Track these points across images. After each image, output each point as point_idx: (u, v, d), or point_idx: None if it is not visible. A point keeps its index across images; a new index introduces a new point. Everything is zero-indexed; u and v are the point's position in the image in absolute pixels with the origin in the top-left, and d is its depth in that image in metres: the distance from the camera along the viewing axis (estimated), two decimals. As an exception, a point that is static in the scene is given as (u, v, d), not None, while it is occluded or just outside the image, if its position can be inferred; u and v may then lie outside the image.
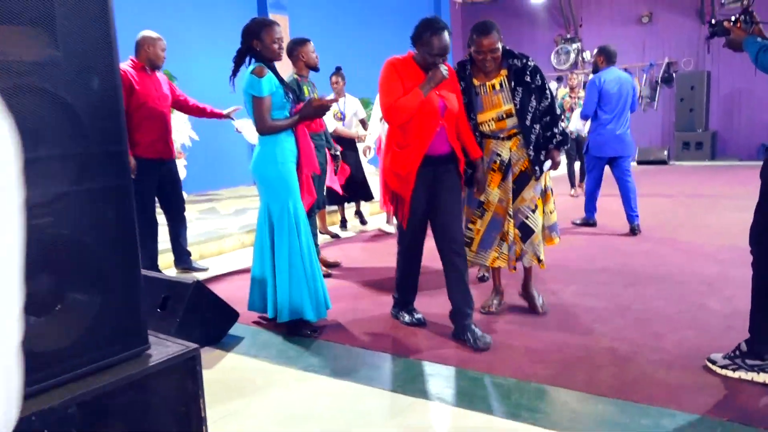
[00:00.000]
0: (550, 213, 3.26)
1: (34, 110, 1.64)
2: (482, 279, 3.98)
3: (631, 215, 5.32)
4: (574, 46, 13.35)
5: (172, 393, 1.95)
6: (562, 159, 3.59)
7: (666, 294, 3.53)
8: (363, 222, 6.45)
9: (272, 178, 3.11)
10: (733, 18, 2.55)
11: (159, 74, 4.26)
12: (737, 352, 2.47)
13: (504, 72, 3.06)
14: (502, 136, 3.11)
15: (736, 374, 2.44)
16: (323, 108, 3.15)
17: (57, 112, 1.69)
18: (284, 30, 9.43)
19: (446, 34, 2.80)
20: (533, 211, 3.14)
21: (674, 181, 8.94)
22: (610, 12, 13.06)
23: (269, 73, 3.08)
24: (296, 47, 4.19)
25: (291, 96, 3.19)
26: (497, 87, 3.06)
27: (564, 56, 13.49)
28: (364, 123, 5.94)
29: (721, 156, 11.85)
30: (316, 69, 4.25)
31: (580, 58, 13.30)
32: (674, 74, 12.37)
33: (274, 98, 3.06)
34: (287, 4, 9.97)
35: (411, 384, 2.54)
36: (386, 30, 11.47)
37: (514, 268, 3.24)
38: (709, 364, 2.53)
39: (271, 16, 9.67)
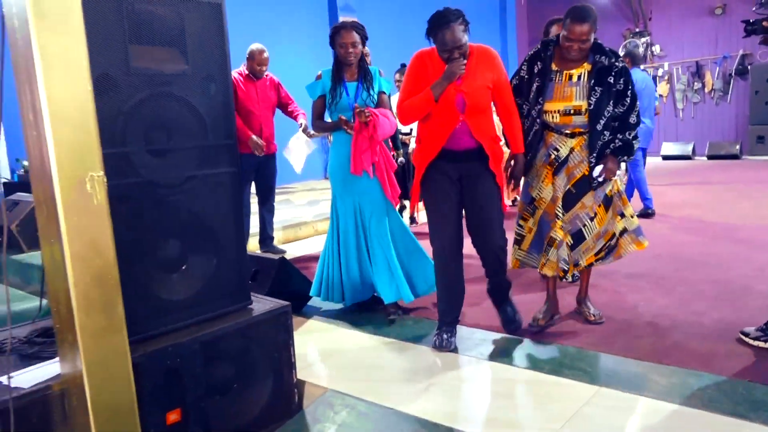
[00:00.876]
0: (631, 216, 3.01)
1: (170, 112, 2.13)
2: (573, 279, 3.15)
3: (645, 200, 5.90)
4: (643, 40, 13.17)
5: (269, 340, 2.40)
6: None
7: (713, 278, 3.73)
8: (413, 221, 6.18)
9: (329, 174, 3.54)
10: None
11: (267, 79, 4.93)
12: None
13: (587, 66, 2.79)
14: (566, 131, 2.86)
15: (767, 344, 2.67)
16: (346, 125, 3.28)
17: (186, 113, 2.17)
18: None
19: (457, 26, 2.61)
20: (591, 219, 2.89)
21: (744, 175, 8.82)
22: (680, 5, 12.83)
23: (324, 77, 3.41)
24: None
25: (337, 99, 3.36)
26: (574, 79, 2.80)
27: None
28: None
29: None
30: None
31: (650, 52, 13.13)
32: (749, 66, 12.04)
33: (327, 100, 3.40)
34: (356, 7, 10.44)
35: (468, 349, 2.92)
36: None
37: (563, 278, 2.91)
38: (742, 336, 2.76)
39: (341, 18, 10.23)
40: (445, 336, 2.91)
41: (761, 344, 2.69)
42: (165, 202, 2.12)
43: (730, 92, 12.36)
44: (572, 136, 2.86)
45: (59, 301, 1.69)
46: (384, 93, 3.51)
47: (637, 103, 2.83)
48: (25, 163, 6.47)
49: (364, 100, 3.39)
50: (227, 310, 2.33)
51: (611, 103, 2.76)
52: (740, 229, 5.14)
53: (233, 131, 2.30)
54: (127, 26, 1.95)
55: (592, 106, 2.76)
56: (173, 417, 2.07)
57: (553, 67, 2.85)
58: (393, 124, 3.45)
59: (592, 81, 2.76)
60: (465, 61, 2.65)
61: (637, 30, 13.32)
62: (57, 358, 1.93)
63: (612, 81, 2.76)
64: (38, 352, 2.01)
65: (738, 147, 11.23)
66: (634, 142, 2.85)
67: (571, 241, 2.90)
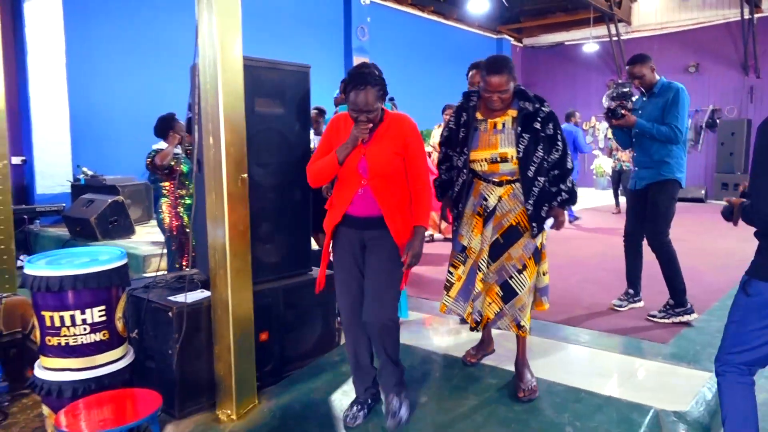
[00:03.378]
0: (543, 275, 2.90)
1: (272, 139, 3.28)
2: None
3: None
4: (625, 89, 14.56)
5: (321, 300, 3.51)
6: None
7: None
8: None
9: None
10: (624, 105, 3.82)
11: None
12: (668, 306, 3.83)
13: (512, 113, 2.74)
14: (494, 180, 2.80)
15: (670, 320, 3.80)
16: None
17: (281, 140, 3.32)
18: (365, 70, 11.23)
19: (372, 90, 2.47)
20: (519, 272, 2.75)
21: (705, 216, 10.01)
22: (659, 62, 14.16)
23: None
24: None
25: None
26: (499, 126, 2.75)
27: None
28: None
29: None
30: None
31: (630, 103, 14.48)
32: (717, 120, 13.43)
33: None
34: (369, 49, 11.74)
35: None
36: (451, 70, 13.19)
37: (475, 328, 2.88)
38: (651, 318, 3.89)
39: (355, 59, 11.53)
40: (354, 409, 2.77)
41: (666, 320, 3.81)
42: (265, 197, 3.26)
43: (700, 142, 13.72)
44: (500, 184, 2.79)
45: (216, 249, 2.84)
46: None
47: (568, 146, 2.81)
48: (85, 169, 7.62)
49: None
50: (297, 272, 3.46)
51: (540, 149, 2.70)
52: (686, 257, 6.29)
53: (308, 152, 3.47)
54: (253, 85, 3.12)
55: (521, 154, 2.69)
56: (263, 337, 3.19)
57: (478, 116, 2.82)
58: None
59: (519, 128, 2.71)
60: (369, 125, 2.52)
61: (620, 81, 14.70)
62: (200, 290, 3.07)
63: (539, 126, 2.70)
64: (182, 287, 3.13)
65: (704, 191, 12.53)
66: (575, 189, 2.83)
67: (501, 293, 2.78)
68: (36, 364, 2.74)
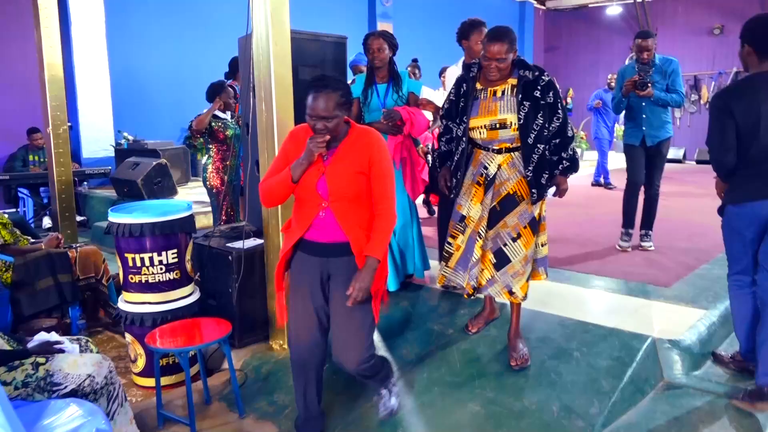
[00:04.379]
0: (542, 246, 2.93)
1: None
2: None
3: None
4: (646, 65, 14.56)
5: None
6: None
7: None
8: (431, 212, 6.44)
9: None
10: (644, 78, 4.32)
11: None
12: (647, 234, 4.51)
13: (511, 81, 2.76)
14: (493, 148, 2.82)
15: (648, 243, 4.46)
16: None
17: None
18: (389, 35, 11.45)
19: (332, 96, 2.20)
20: (514, 240, 2.78)
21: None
22: (683, 23, 14.21)
23: (357, 82, 3.72)
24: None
25: (369, 100, 3.67)
26: (498, 94, 2.77)
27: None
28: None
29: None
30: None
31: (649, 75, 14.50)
32: (741, 82, 13.42)
33: (361, 101, 3.68)
34: (393, 14, 11.92)
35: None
36: (475, 36, 13.32)
37: (471, 295, 2.87)
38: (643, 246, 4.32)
39: (379, 24, 11.72)
40: None
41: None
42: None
43: (723, 105, 13.74)
44: (499, 152, 2.82)
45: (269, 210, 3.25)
46: (413, 93, 3.78)
47: (583, 133, 3.29)
48: (126, 134, 8.08)
49: (394, 100, 3.66)
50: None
51: (540, 116, 2.72)
52: (694, 214, 6.58)
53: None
54: (296, 55, 3.48)
55: (521, 121, 2.71)
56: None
57: (478, 86, 2.84)
58: (425, 119, 3.70)
59: (520, 96, 2.73)
60: (327, 138, 2.23)
61: (643, 44, 14.70)
62: (252, 238, 3.49)
63: (539, 95, 2.71)
64: (235, 236, 3.56)
65: (724, 154, 12.64)
66: (576, 157, 2.87)
67: (494, 260, 2.81)
68: (119, 299, 3.21)
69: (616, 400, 2.58)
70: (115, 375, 2.40)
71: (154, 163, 6.64)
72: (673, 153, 13.06)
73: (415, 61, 7.54)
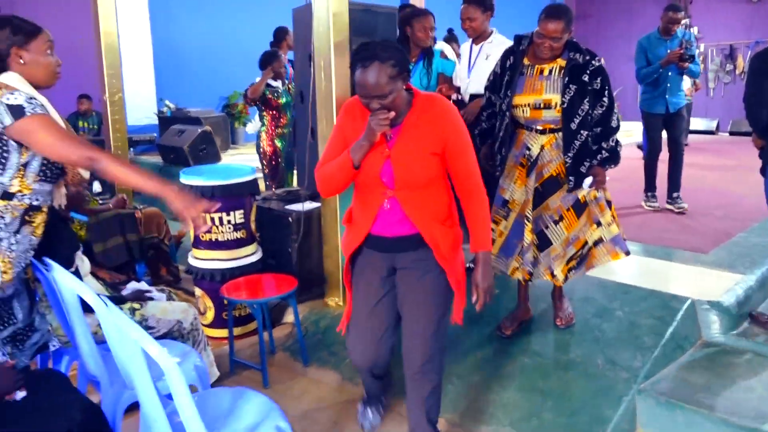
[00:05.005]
0: (608, 225, 2.86)
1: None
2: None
3: None
4: (685, 21, 14.31)
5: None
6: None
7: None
8: None
9: None
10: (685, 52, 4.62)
11: None
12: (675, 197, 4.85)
13: (560, 62, 2.70)
14: (537, 128, 2.75)
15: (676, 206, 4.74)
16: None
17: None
18: (420, 3, 11.44)
19: (383, 67, 1.86)
20: (556, 223, 2.76)
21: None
22: (721, -10, 13.91)
23: None
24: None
25: None
26: (545, 72, 2.71)
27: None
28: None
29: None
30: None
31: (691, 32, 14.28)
32: (780, 52, 13.16)
33: None
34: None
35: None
36: (505, 2, 13.22)
37: (528, 280, 2.87)
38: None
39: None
40: (370, 413, 2.52)
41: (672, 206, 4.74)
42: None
43: (760, 75, 13.51)
44: (543, 132, 2.75)
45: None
46: (443, 74, 3.79)
47: (616, 104, 2.78)
48: (168, 102, 8.31)
49: (420, 80, 3.67)
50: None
51: (586, 102, 2.66)
52: (743, 176, 6.64)
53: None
54: (351, 25, 3.62)
55: (565, 104, 2.64)
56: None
57: (525, 61, 2.77)
58: None
59: (566, 78, 2.65)
60: (390, 115, 1.90)
61: (676, 5, 14.44)
62: (308, 202, 3.70)
63: (587, 80, 2.65)
64: (292, 199, 3.77)
65: None
66: (618, 148, 2.77)
67: (537, 241, 2.79)
68: (189, 255, 3.45)
69: (657, 355, 2.75)
70: (199, 322, 2.66)
71: (200, 130, 6.87)
72: (705, 124, 12.96)
73: (450, 31, 7.55)
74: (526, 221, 2.78)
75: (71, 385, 1.95)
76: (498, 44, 3.50)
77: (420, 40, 3.73)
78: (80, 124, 7.48)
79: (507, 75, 2.80)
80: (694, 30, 14.15)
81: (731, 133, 12.44)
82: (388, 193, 2.03)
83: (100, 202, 4.08)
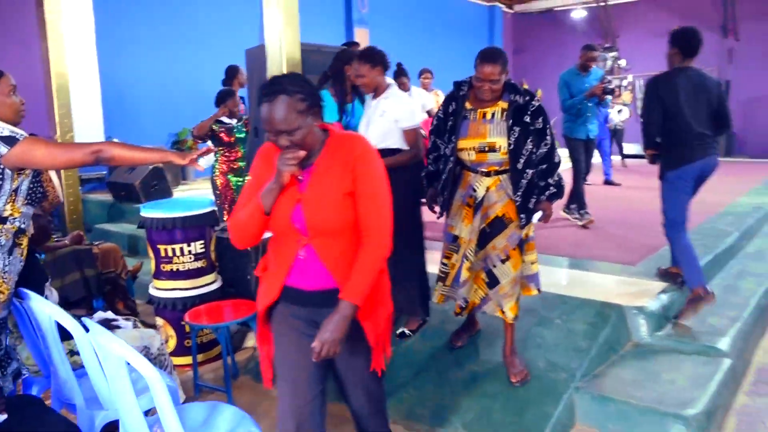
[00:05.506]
0: (531, 264, 2.97)
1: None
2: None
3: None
4: (612, 54, 15.28)
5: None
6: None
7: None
8: None
9: None
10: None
11: None
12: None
13: (502, 104, 2.78)
14: (482, 170, 2.84)
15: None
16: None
17: (323, 109, 4.10)
18: (364, 41, 11.86)
19: (289, 101, 1.70)
20: (503, 261, 2.84)
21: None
22: (644, 26, 14.97)
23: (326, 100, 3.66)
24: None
25: (349, 119, 3.82)
26: (488, 116, 2.78)
27: (602, 63, 15.43)
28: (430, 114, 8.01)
29: (738, 154, 13.67)
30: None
31: (616, 65, 15.23)
32: (698, 81, 14.21)
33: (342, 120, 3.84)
34: (369, 20, 12.35)
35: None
36: (448, 39, 13.87)
37: (459, 313, 2.98)
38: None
39: (356, 30, 12.14)
40: None
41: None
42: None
43: (682, 102, 14.51)
44: (488, 175, 2.83)
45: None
46: None
47: (556, 141, 2.88)
48: (116, 139, 8.34)
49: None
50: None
51: (530, 141, 2.75)
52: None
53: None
54: (304, 67, 3.85)
55: (512, 146, 2.73)
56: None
57: (468, 105, 2.84)
58: None
59: (510, 120, 2.74)
60: (299, 154, 1.74)
61: (607, 45, 15.41)
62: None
63: (529, 120, 2.74)
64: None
65: (687, 147, 13.37)
66: (562, 183, 2.89)
67: (487, 279, 2.89)
68: (150, 287, 3.56)
69: (592, 356, 3.03)
70: (165, 347, 2.77)
71: (151, 167, 6.93)
72: (637, 149, 13.69)
73: (399, 65, 7.88)
74: (465, 259, 2.87)
75: (48, 407, 2.06)
76: (394, 101, 3.27)
77: (354, 80, 3.61)
78: (27, 163, 7.41)
79: (450, 120, 2.87)
80: (623, 62, 15.15)
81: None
82: (302, 241, 1.81)
83: (56, 239, 4.13)
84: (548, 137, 2.81)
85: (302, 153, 1.73)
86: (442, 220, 3.07)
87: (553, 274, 4.08)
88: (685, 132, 3.43)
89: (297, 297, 1.87)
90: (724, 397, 2.85)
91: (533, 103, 2.77)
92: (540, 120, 2.77)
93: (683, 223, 3.56)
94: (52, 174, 2.38)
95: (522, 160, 2.75)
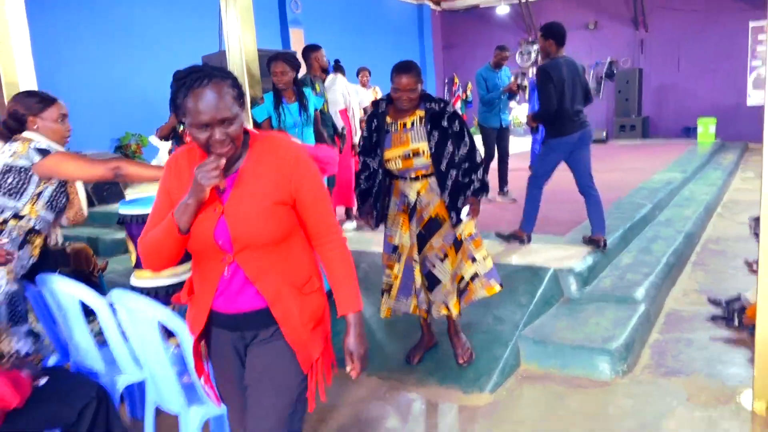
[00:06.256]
0: (484, 259, 3.12)
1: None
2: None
3: None
4: (534, 47, 16.18)
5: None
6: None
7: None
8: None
9: None
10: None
11: None
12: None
13: (419, 113, 2.95)
14: (410, 176, 2.99)
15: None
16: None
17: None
18: (299, 41, 12.16)
19: (222, 88, 1.51)
20: (441, 261, 3.01)
21: (608, 152, 11.68)
22: (562, 20, 15.64)
23: (266, 101, 4.00)
24: (310, 53, 5.04)
25: (283, 119, 4.04)
26: (408, 125, 2.95)
27: (526, 56, 16.33)
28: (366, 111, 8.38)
29: (651, 136, 14.82)
30: (326, 71, 5.29)
31: (539, 58, 16.13)
32: (615, 71, 15.29)
33: (273, 120, 4.02)
34: (303, 20, 12.64)
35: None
36: (378, 38, 14.36)
37: (426, 318, 3.17)
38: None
39: (291, 30, 12.40)
40: None
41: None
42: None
43: (601, 91, 15.54)
44: (416, 179, 2.99)
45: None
46: (317, 110, 4.28)
47: (474, 142, 3.03)
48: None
49: (303, 121, 4.10)
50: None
51: (450, 144, 2.91)
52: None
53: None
54: (261, 71, 4.18)
55: (433, 150, 2.90)
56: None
57: (388, 120, 2.99)
58: (332, 156, 3.48)
59: (429, 126, 2.90)
60: (221, 163, 1.51)
61: (530, 39, 16.31)
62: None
63: (446, 125, 2.91)
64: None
65: (605, 133, 14.38)
66: (486, 179, 3.03)
67: (426, 282, 3.02)
68: (132, 278, 3.82)
69: (532, 310, 3.57)
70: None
71: (102, 171, 7.04)
72: (596, 135, 14.37)
73: (337, 61, 8.24)
74: (413, 263, 3.02)
75: (75, 374, 2.37)
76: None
77: (276, 83, 3.92)
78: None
79: (374, 136, 3.02)
80: (544, 54, 16.07)
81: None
82: (227, 259, 1.62)
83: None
84: (467, 138, 2.98)
85: (223, 162, 1.51)
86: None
87: (496, 247, 4.61)
88: (567, 110, 4.22)
89: (226, 322, 1.71)
90: (640, 335, 3.42)
91: (447, 109, 2.97)
92: (456, 123, 2.95)
93: (543, 178, 4.45)
94: (79, 187, 2.56)
95: (445, 162, 2.93)
